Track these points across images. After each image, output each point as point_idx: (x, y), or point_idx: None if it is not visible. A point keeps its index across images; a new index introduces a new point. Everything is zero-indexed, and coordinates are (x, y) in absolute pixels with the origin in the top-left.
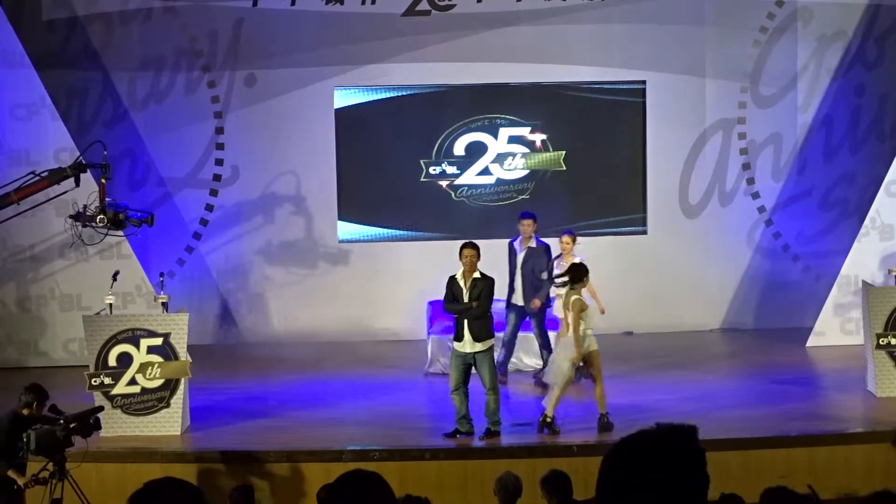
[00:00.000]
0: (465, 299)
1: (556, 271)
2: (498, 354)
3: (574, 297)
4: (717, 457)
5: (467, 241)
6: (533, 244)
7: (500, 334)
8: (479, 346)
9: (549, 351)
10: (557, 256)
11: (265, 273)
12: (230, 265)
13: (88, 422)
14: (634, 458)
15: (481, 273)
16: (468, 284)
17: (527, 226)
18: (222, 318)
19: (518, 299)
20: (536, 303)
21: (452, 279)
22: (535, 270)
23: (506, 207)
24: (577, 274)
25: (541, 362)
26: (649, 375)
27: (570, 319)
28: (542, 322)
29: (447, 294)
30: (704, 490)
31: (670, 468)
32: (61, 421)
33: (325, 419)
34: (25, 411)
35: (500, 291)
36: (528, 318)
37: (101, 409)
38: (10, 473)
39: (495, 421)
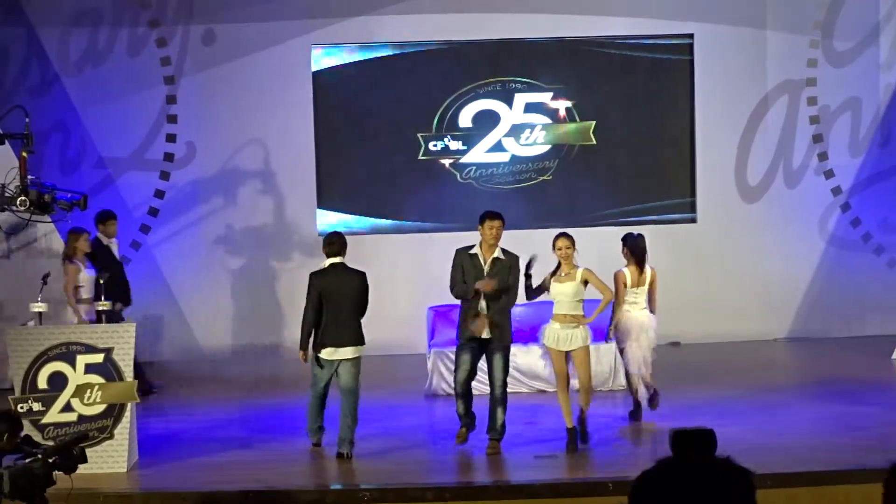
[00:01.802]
0: None
1: (552, 287)
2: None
3: (650, 270)
4: (784, 494)
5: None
6: (500, 255)
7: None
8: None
9: (502, 403)
10: (556, 269)
11: (228, 267)
12: (184, 261)
13: (72, 453)
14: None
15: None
16: None
17: (496, 229)
18: (176, 328)
19: (483, 331)
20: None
21: None
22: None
23: (523, 191)
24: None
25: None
26: (699, 395)
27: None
28: (508, 359)
29: None
30: None
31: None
32: (39, 455)
33: (304, 451)
34: None
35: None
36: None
37: (85, 436)
38: None
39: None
